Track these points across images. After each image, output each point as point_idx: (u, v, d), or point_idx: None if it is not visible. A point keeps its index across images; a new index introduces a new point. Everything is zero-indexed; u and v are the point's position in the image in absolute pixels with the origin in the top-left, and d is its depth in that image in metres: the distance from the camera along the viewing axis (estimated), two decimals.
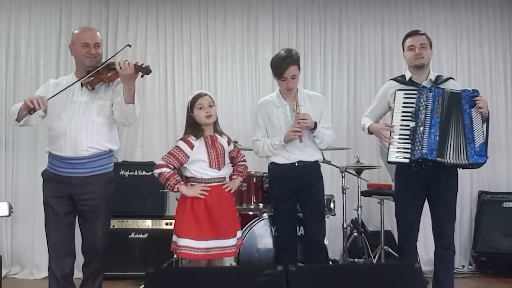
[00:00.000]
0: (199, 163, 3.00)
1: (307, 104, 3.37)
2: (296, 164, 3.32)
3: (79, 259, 3.07)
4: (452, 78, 3.40)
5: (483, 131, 3.10)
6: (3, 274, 4.19)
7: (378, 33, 5.16)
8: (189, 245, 2.90)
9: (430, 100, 3.08)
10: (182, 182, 2.99)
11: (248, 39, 5.06)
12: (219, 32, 5.03)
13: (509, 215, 4.63)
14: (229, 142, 3.14)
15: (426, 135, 3.06)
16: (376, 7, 5.18)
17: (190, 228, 2.92)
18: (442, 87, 3.18)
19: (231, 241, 3.00)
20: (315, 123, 3.27)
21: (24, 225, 4.61)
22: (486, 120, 3.15)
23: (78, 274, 3.19)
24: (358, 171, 4.42)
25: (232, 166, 3.23)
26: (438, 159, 3.05)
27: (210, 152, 3.00)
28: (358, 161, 4.42)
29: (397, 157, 3.14)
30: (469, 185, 5.01)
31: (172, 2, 5.00)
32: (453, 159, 3.06)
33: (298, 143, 3.29)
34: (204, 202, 2.95)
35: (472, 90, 3.19)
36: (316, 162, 3.41)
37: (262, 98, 3.56)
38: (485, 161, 3.10)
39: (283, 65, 3.26)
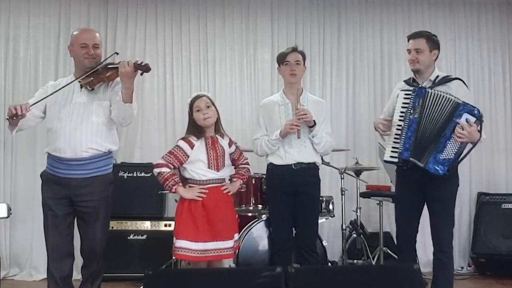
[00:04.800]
0: (197, 164, 3.00)
1: (310, 107, 3.34)
2: (293, 166, 3.32)
3: (78, 260, 3.07)
4: (459, 79, 3.25)
5: (456, 149, 2.98)
6: (1, 276, 4.19)
7: (377, 34, 5.16)
8: (185, 246, 2.90)
9: (412, 100, 3.07)
10: (180, 184, 2.99)
11: (247, 41, 5.05)
12: (218, 33, 5.02)
13: (508, 217, 4.64)
14: (230, 144, 3.14)
15: (404, 134, 3.06)
16: (375, 9, 5.18)
17: (187, 229, 2.92)
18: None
19: (229, 243, 2.99)
20: (314, 121, 3.26)
21: (22, 227, 4.60)
22: (474, 143, 2.99)
23: (77, 275, 3.18)
24: (357, 172, 4.42)
25: (235, 168, 3.22)
26: (411, 159, 3.03)
27: (209, 153, 3.00)
28: (357, 163, 4.41)
29: (390, 157, 3.15)
30: (468, 186, 4.99)
31: (171, 3, 5.00)
32: (415, 158, 3.04)
33: (296, 142, 3.30)
34: (202, 203, 2.94)
35: (473, 107, 2.98)
36: (314, 164, 3.39)
37: (265, 99, 3.57)
38: (440, 173, 2.98)
39: (287, 50, 3.39)
